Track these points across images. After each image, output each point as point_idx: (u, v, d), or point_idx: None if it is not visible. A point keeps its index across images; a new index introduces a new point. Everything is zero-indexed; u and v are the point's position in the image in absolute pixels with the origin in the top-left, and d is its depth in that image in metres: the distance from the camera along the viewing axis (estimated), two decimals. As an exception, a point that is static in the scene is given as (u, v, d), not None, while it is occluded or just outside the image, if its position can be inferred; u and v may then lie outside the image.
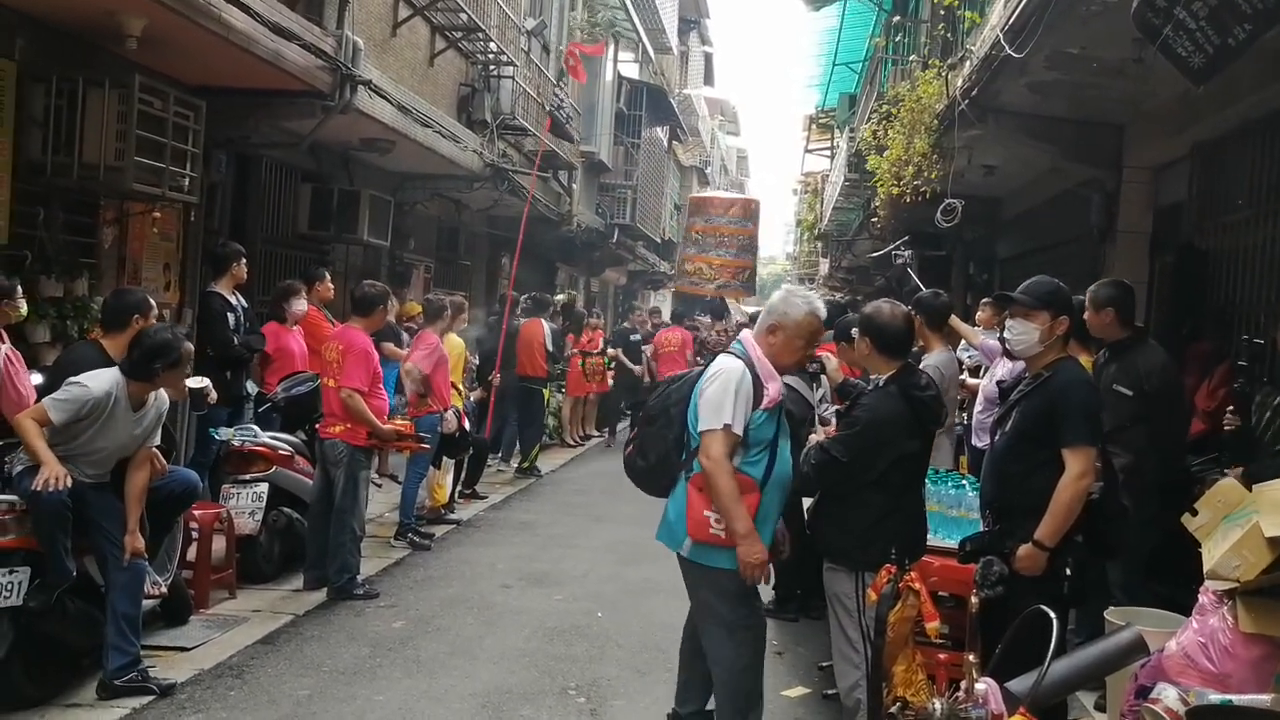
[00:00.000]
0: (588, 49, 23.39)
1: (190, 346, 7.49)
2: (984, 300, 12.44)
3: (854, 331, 7.43)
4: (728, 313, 26.16)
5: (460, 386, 13.57)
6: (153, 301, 8.15)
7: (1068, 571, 5.98)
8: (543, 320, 17.74)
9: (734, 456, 5.89)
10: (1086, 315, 7.92)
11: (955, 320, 10.95)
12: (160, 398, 7.52)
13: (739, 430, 5.84)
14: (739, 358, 6.01)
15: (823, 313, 6.24)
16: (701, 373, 6.15)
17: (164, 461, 7.83)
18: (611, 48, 28.64)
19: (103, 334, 7.99)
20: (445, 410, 12.28)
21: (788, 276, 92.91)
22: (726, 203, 27.18)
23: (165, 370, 7.29)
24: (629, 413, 21.84)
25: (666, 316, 30.24)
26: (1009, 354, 7.56)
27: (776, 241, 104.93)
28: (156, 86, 9.53)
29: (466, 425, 13.12)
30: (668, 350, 21.97)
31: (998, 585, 5.79)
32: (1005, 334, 6.49)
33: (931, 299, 9.27)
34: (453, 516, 13.66)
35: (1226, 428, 7.67)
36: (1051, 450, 5.98)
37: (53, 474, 6.81)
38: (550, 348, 17.56)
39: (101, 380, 7.20)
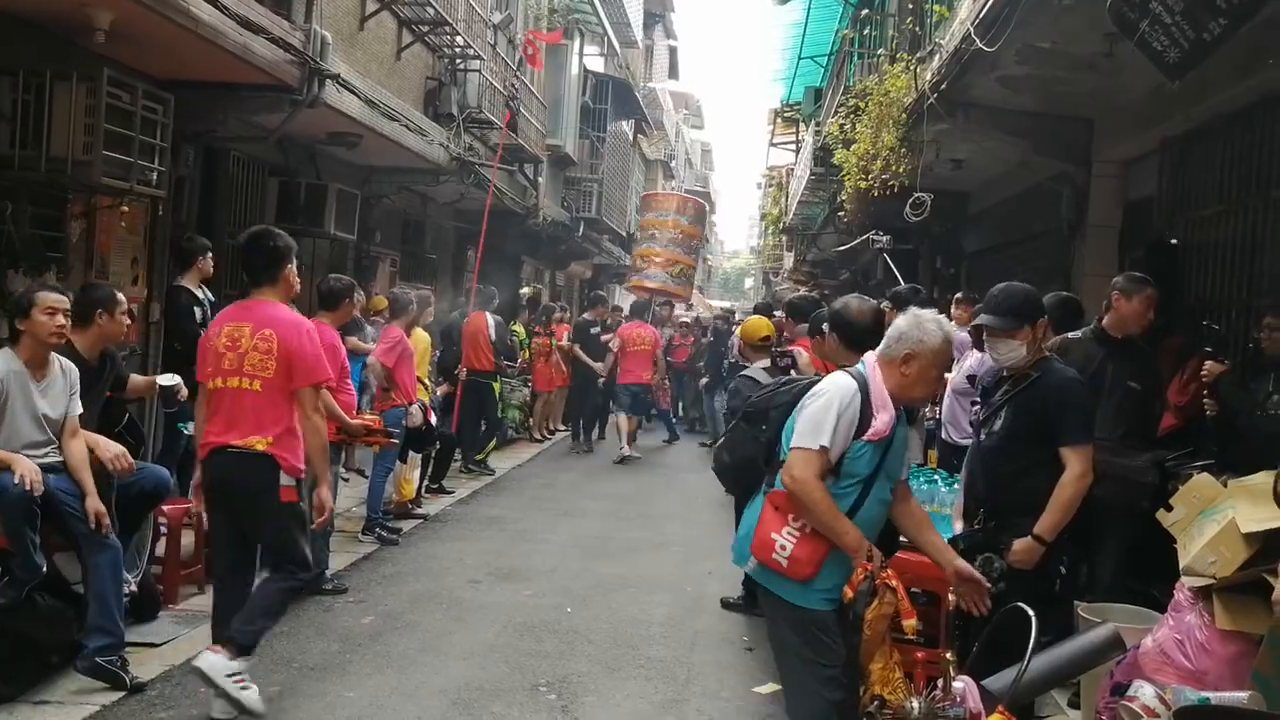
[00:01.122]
0: (545, 36, 23.34)
1: (51, 295, 7.23)
2: (956, 296, 12.42)
3: (824, 326, 7.40)
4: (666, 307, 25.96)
5: (427, 381, 13.49)
6: (120, 296, 8.09)
7: (1062, 569, 6.00)
8: (487, 313, 17.44)
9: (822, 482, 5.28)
10: (1123, 307, 7.87)
11: None
12: (66, 367, 7.40)
13: (835, 455, 5.26)
14: (854, 378, 5.39)
15: (955, 336, 5.82)
16: (814, 382, 5.63)
17: (131, 460, 7.71)
18: (577, 41, 28.56)
19: (71, 330, 7.93)
20: (410, 404, 12.19)
21: (752, 271, 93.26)
22: (680, 200, 26.83)
23: (19, 321, 7.11)
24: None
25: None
26: (978, 346, 7.58)
27: (740, 235, 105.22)
28: (125, 80, 9.46)
29: (433, 419, 13.05)
30: (638, 349, 21.15)
31: (999, 582, 5.79)
32: (991, 355, 6.45)
33: (910, 295, 9.24)
34: (420, 511, 13.61)
35: (1208, 413, 7.67)
36: (1045, 450, 6.04)
37: (25, 471, 6.78)
38: (494, 339, 17.25)
39: None
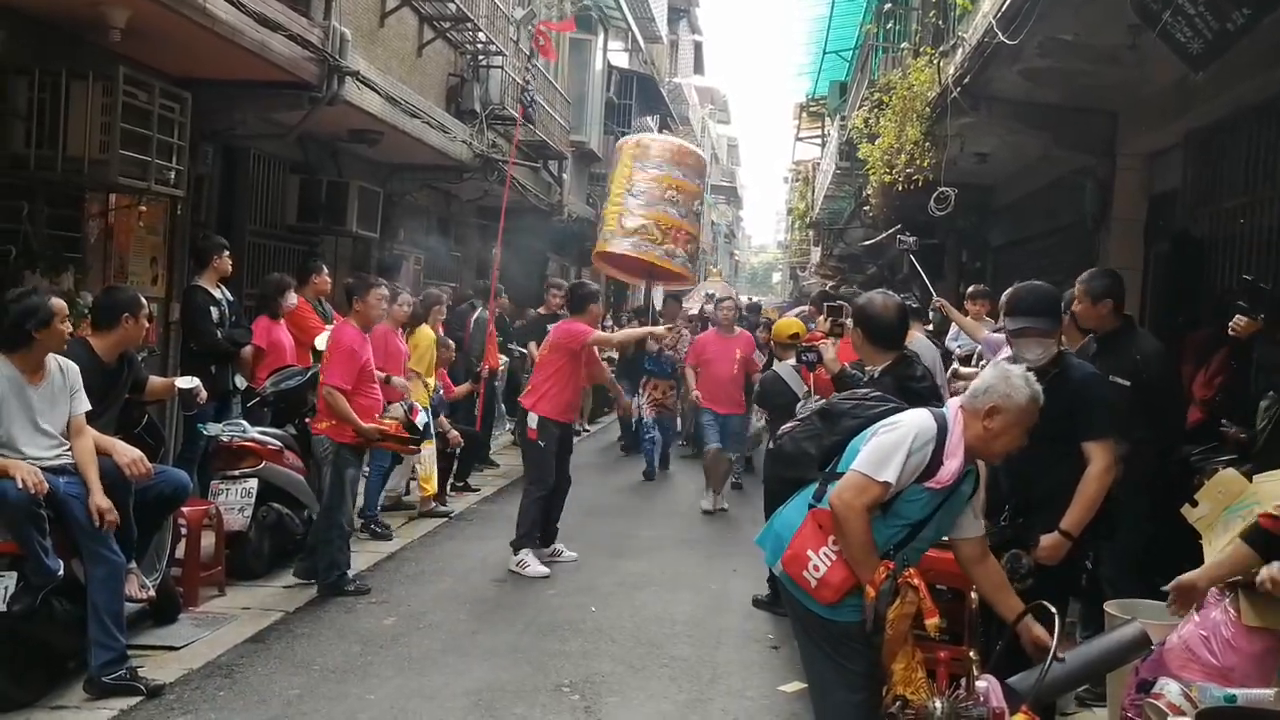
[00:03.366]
0: (556, 26, 23.10)
1: (59, 302, 7.23)
2: (970, 291, 12.31)
3: (848, 322, 7.34)
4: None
5: (428, 380, 13.32)
6: (144, 300, 8.02)
7: (1088, 564, 5.98)
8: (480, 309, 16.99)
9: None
10: (1079, 307, 7.74)
11: (955, 314, 10.95)
12: (66, 368, 7.28)
13: (893, 492, 5.08)
14: (936, 419, 5.19)
15: (1042, 398, 5.40)
16: (900, 407, 5.49)
17: (148, 464, 7.58)
18: (601, 36, 28.52)
19: (92, 332, 7.88)
20: (389, 404, 11.75)
21: (779, 265, 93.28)
22: (677, 150, 19.69)
23: (38, 331, 6.99)
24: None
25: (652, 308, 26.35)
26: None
27: (768, 230, 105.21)
28: (141, 78, 9.43)
29: (419, 419, 12.42)
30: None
31: (1027, 578, 5.74)
32: (1023, 356, 6.33)
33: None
34: (444, 510, 13.56)
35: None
36: (1069, 445, 6.05)
37: (24, 474, 6.69)
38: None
39: None
